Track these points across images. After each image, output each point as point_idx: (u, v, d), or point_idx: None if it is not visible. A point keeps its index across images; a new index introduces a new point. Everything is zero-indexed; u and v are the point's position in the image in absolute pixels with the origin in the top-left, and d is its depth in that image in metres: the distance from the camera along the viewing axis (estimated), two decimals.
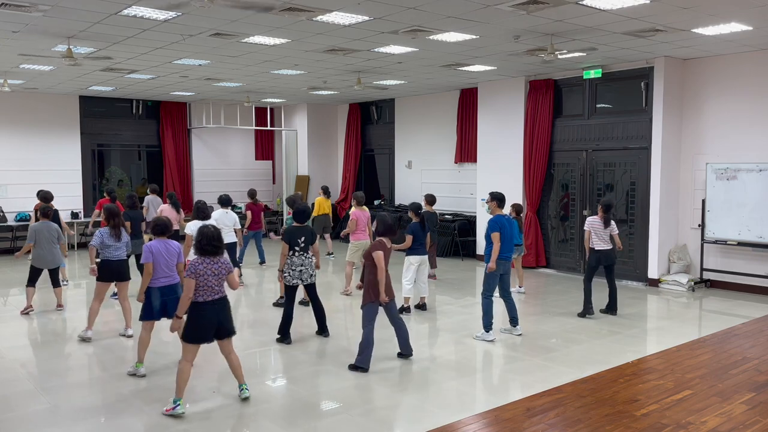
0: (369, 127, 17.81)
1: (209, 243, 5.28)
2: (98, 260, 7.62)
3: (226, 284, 5.45)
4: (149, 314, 6.36)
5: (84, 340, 7.50)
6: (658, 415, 5.21)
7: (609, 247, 8.63)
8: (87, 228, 14.09)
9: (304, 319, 8.46)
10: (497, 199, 7.71)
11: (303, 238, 7.40)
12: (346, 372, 6.41)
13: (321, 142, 18.46)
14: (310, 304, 7.82)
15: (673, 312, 9.48)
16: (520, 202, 12.62)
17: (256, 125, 18.39)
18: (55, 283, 9.04)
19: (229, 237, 10.49)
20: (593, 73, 11.43)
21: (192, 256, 5.60)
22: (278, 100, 17.33)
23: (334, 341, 7.55)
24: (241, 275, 10.96)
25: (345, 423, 5.22)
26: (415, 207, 9.17)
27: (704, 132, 10.75)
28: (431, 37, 8.96)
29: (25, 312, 8.83)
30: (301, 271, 7.37)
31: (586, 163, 11.98)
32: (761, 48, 9.87)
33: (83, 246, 7.72)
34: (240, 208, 16.00)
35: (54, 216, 9.56)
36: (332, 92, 15.32)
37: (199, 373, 6.21)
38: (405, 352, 6.76)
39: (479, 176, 13.61)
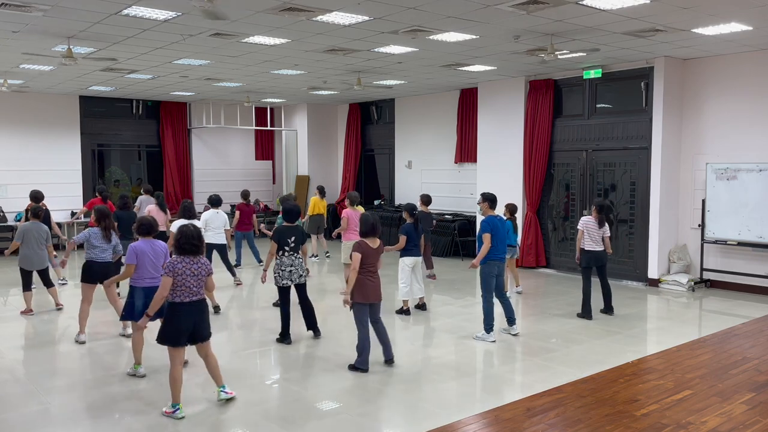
0: (369, 127, 17.81)
1: (188, 242, 5.20)
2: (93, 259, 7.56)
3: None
4: (130, 314, 6.31)
5: (79, 343, 7.44)
6: (658, 415, 5.21)
7: (600, 248, 8.62)
8: (76, 216, 13.98)
9: (302, 319, 8.45)
10: (488, 200, 7.69)
11: (293, 238, 7.32)
12: (345, 372, 6.41)
13: (321, 142, 18.46)
14: (299, 303, 7.64)
15: (673, 312, 9.48)
16: (518, 202, 12.66)
17: (256, 125, 18.39)
18: (47, 283, 8.97)
19: (219, 238, 10.50)
20: (593, 73, 11.43)
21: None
22: (278, 100, 17.33)
23: (334, 341, 7.55)
24: (235, 276, 10.94)
25: (345, 423, 5.23)
26: (410, 207, 9.15)
27: (704, 132, 10.75)
28: (431, 37, 8.96)
29: (25, 313, 8.82)
30: (290, 271, 7.29)
31: (586, 163, 11.98)
32: (761, 48, 9.87)
33: (81, 247, 7.65)
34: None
35: (45, 216, 9.43)
36: (332, 92, 15.32)
37: (198, 373, 6.21)
38: (386, 357, 6.58)
39: (479, 176, 13.61)
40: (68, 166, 15.77)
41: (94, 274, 7.45)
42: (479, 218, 13.38)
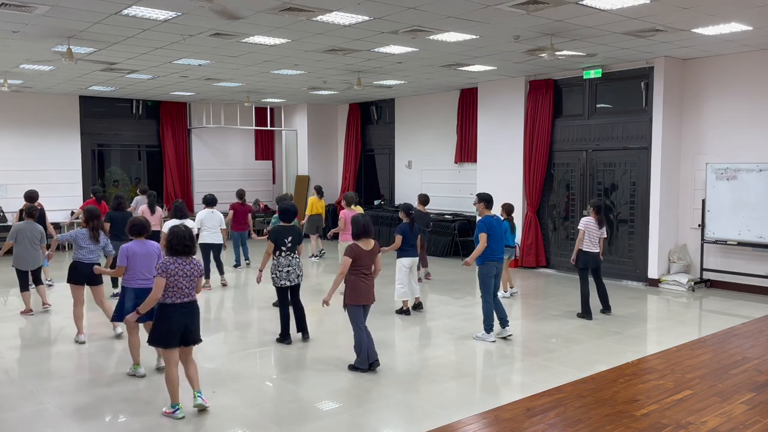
0: (369, 127, 17.81)
1: (180, 242, 5.16)
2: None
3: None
4: (120, 315, 6.28)
5: (79, 344, 7.42)
6: (658, 415, 5.21)
7: (597, 249, 8.61)
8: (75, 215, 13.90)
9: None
10: (484, 200, 7.66)
11: (290, 238, 7.27)
12: (345, 372, 6.41)
13: (321, 142, 18.46)
14: (291, 305, 7.56)
15: (673, 312, 9.48)
16: (518, 202, 12.67)
17: (256, 125, 18.39)
18: (37, 281, 8.94)
19: (214, 237, 10.49)
20: (593, 73, 11.42)
21: None
22: (278, 100, 17.33)
23: (333, 341, 7.55)
24: (223, 275, 10.92)
25: (345, 423, 5.23)
26: (406, 207, 9.14)
27: (704, 132, 10.75)
28: (431, 37, 8.96)
29: (25, 313, 8.82)
30: (288, 271, 7.25)
31: (586, 163, 11.98)
32: (761, 48, 9.87)
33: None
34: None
35: (40, 216, 9.38)
36: (332, 92, 15.32)
37: (198, 374, 6.21)
38: (369, 359, 6.47)
39: (479, 176, 13.61)
40: (68, 166, 15.77)
41: (80, 275, 7.36)
42: (479, 219, 13.44)
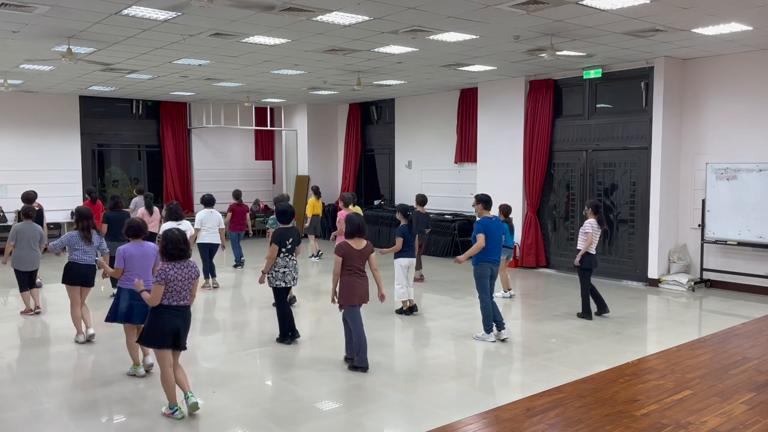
0: (369, 127, 17.81)
1: (175, 247, 5.14)
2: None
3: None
4: (114, 316, 6.27)
5: (79, 344, 7.42)
6: (658, 415, 5.20)
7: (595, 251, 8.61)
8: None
9: (300, 319, 8.47)
10: (482, 201, 7.61)
11: (291, 240, 7.30)
12: (345, 372, 6.41)
13: (321, 142, 18.46)
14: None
15: (673, 312, 9.48)
16: (518, 202, 12.67)
17: (256, 125, 18.39)
18: (32, 284, 8.88)
19: (213, 237, 10.50)
20: (593, 73, 11.42)
21: None
22: (278, 100, 17.33)
23: (334, 341, 7.54)
24: (215, 277, 10.85)
25: (344, 423, 5.22)
26: (403, 209, 9.14)
27: (704, 132, 10.75)
28: (431, 37, 8.96)
29: (25, 313, 8.82)
30: (284, 272, 7.24)
31: (586, 163, 11.98)
32: (761, 48, 9.87)
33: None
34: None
35: (38, 216, 9.29)
36: (332, 92, 15.32)
37: (197, 373, 6.21)
38: (358, 364, 6.44)
39: (479, 176, 13.61)
40: (68, 166, 15.77)
41: (75, 276, 7.36)
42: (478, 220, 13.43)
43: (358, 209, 10.67)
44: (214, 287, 10.70)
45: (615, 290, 10.59)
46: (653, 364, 6.68)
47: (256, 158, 19.01)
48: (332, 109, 18.60)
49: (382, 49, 9.82)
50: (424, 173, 15.93)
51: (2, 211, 14.53)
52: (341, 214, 10.15)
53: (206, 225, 10.40)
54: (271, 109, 18.81)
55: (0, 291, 10.58)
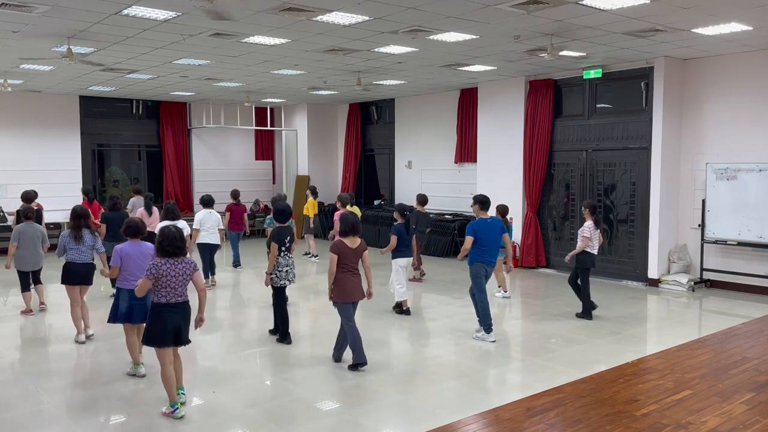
0: (369, 127, 17.81)
1: (171, 244, 5.14)
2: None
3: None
4: (114, 316, 6.26)
5: (79, 344, 7.42)
6: (658, 415, 5.20)
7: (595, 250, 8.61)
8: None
9: (300, 319, 8.46)
10: (479, 202, 7.61)
11: (288, 238, 7.36)
12: (345, 372, 6.41)
13: (321, 142, 18.46)
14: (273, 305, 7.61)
15: (673, 312, 9.48)
16: (518, 202, 12.68)
17: (256, 125, 18.39)
18: (36, 280, 8.92)
19: (212, 237, 10.51)
20: (593, 73, 11.42)
21: None
22: (278, 100, 17.33)
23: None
24: (213, 277, 10.88)
25: (344, 423, 5.22)
26: (400, 208, 9.14)
27: (704, 132, 10.75)
28: (431, 37, 8.96)
29: (25, 313, 8.82)
30: (287, 271, 7.32)
31: (586, 163, 11.98)
32: (761, 48, 9.87)
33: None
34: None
35: (37, 216, 9.29)
36: (332, 92, 15.32)
37: (197, 373, 6.21)
38: (335, 358, 6.53)
39: (479, 176, 13.61)
40: (68, 166, 15.76)
41: (73, 276, 7.37)
42: None
43: (356, 209, 10.67)
44: (212, 285, 10.71)
45: (615, 290, 10.60)
46: (653, 364, 6.68)
47: (256, 158, 19.02)
48: (332, 109, 18.59)
49: (382, 49, 9.82)
50: (424, 173, 15.93)
51: (2, 211, 14.53)
52: (338, 215, 10.17)
53: (205, 225, 10.43)
54: (271, 109, 18.81)
55: (0, 291, 10.58)
